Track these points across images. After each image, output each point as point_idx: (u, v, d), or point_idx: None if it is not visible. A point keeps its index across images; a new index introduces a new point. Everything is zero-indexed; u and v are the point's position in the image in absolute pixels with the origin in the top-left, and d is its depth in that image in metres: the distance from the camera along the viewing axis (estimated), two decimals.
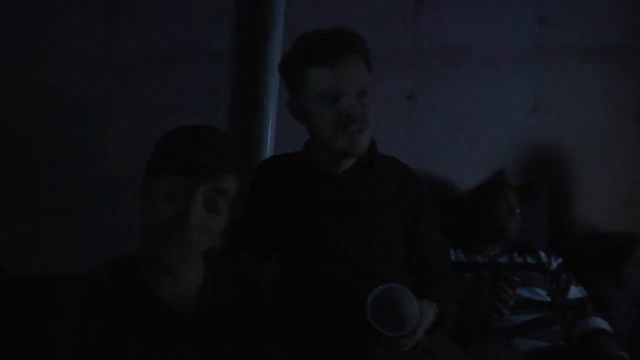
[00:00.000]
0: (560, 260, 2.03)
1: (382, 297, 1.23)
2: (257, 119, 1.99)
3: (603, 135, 2.39)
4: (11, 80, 1.77)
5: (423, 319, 1.28)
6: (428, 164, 2.21)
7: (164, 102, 1.92)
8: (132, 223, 1.85)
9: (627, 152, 2.41)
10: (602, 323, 1.88)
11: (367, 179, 1.45)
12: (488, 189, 2.10)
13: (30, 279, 1.60)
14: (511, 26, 2.29)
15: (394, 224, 1.44)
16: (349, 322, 1.27)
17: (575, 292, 1.96)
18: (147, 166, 1.15)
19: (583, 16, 2.33)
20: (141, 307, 1.14)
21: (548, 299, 1.95)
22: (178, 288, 1.16)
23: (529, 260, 2.01)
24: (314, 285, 1.38)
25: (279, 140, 1.99)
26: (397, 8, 2.16)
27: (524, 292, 1.90)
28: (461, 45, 2.23)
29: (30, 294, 1.52)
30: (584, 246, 2.23)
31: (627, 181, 2.42)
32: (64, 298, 1.16)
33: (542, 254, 2.02)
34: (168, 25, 1.92)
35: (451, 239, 2.01)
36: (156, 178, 1.11)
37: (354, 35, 1.38)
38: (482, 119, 2.29)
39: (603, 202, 2.40)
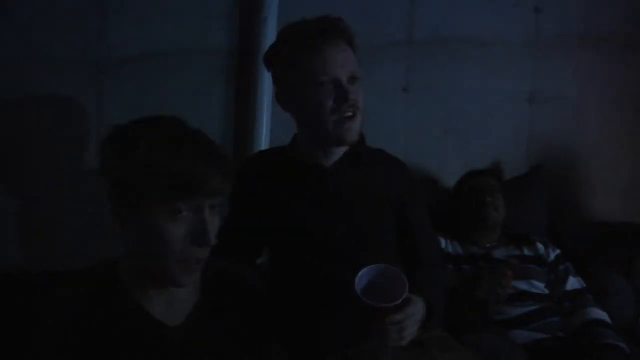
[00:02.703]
0: (558, 251, 2.02)
1: (370, 275, 1.24)
2: (252, 114, 1.98)
3: (601, 124, 2.38)
4: (5, 80, 1.77)
5: (416, 313, 1.28)
6: (424, 157, 2.21)
7: (158, 99, 1.92)
8: None
9: (626, 141, 2.40)
10: (600, 314, 1.88)
11: (356, 170, 1.45)
12: (462, 179, 2.10)
13: (27, 275, 1.61)
14: (507, 16, 2.27)
15: (384, 214, 1.45)
16: (340, 314, 1.27)
17: (573, 283, 1.95)
18: (136, 187, 1.01)
19: (579, 5, 2.31)
20: (130, 321, 1.07)
21: (546, 290, 1.94)
22: (173, 305, 1.10)
23: (526, 252, 2.00)
24: (304, 278, 1.39)
25: (274, 135, 1.99)
26: None
27: (521, 285, 1.90)
28: (456, 36, 2.21)
29: (26, 291, 1.51)
30: (582, 236, 2.22)
31: (625, 171, 2.41)
32: (47, 307, 1.08)
33: (540, 246, 2.01)
34: (160, 23, 1.91)
35: (448, 231, 2.02)
36: (157, 202, 1.00)
37: (340, 21, 1.39)
38: (479, 110, 2.28)
39: (602, 192, 2.39)
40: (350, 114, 1.36)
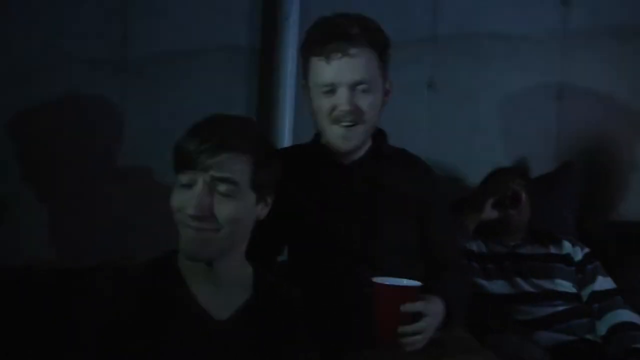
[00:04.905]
0: (587, 250, 1.97)
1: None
2: (274, 112, 1.99)
3: (632, 121, 2.32)
4: (32, 82, 1.80)
5: (435, 312, 1.26)
6: (449, 154, 2.19)
7: (181, 98, 1.93)
8: (150, 218, 1.90)
9: None
10: (632, 316, 1.83)
11: (377, 168, 1.43)
12: (487, 178, 2.06)
13: (56, 271, 1.64)
14: (534, 9, 2.23)
15: (405, 213, 1.43)
16: (358, 312, 1.26)
17: (602, 283, 1.90)
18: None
19: None
20: (178, 306, 1.13)
21: (574, 290, 1.89)
22: (221, 299, 1.15)
23: (552, 250, 1.96)
24: (323, 274, 1.38)
25: (297, 133, 1.99)
26: None
27: (546, 284, 1.86)
28: (482, 31, 2.18)
29: (54, 286, 1.54)
30: (613, 235, 2.17)
31: None
32: (97, 289, 1.15)
33: (567, 244, 1.97)
34: (183, 22, 1.92)
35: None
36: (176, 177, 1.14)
37: (360, 23, 1.33)
38: (505, 106, 2.24)
39: (633, 190, 2.34)
40: (348, 123, 1.34)
